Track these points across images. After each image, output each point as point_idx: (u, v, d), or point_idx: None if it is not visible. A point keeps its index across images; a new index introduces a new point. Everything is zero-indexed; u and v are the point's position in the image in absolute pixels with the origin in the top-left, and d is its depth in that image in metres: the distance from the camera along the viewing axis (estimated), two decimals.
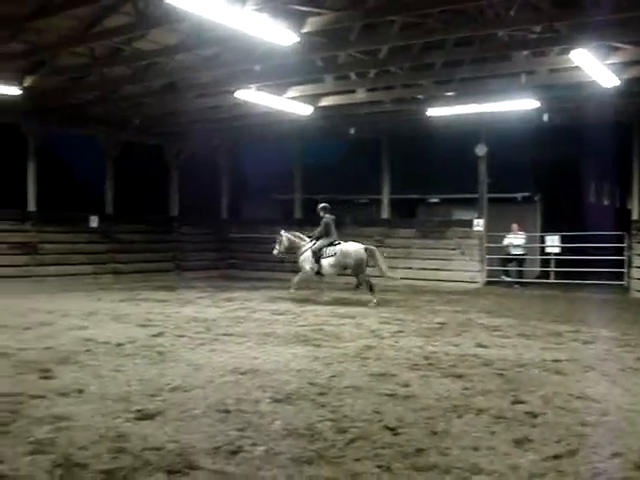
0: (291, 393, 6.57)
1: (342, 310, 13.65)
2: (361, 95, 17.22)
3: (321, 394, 6.58)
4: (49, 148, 22.82)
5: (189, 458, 4.70)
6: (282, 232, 16.33)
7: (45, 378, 7.08)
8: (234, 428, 5.44)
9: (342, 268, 15.46)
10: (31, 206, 20.07)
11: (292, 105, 17.14)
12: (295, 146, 23.90)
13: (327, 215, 15.63)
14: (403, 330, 10.97)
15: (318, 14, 11.65)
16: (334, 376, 7.40)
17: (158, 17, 12.16)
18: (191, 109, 19.74)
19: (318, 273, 15.55)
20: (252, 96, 16.15)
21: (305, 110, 17.52)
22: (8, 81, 15.51)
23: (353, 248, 15.26)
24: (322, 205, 15.77)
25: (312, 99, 17.43)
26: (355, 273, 15.41)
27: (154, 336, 9.98)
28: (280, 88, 16.52)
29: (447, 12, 12.76)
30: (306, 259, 15.60)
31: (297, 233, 16.36)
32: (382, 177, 22.09)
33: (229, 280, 22.37)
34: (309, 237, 15.89)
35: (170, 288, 18.82)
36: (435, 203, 26.63)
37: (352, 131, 21.11)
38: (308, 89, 16.65)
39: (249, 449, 4.99)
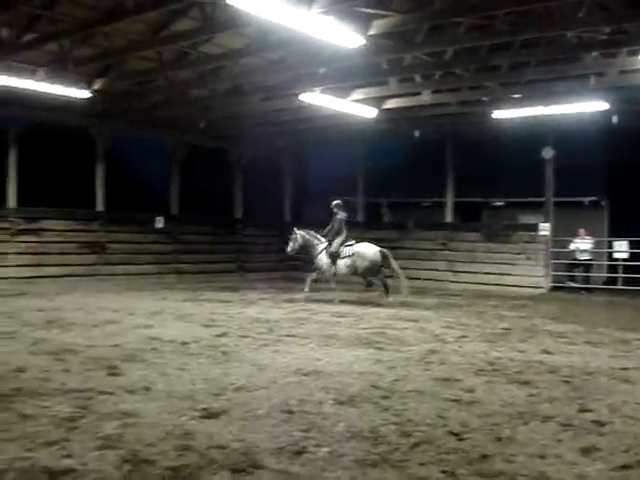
0: (354, 395, 6.54)
1: (405, 313, 13.56)
2: (426, 97, 17.12)
3: (384, 397, 6.54)
4: (117, 150, 23.25)
5: (253, 457, 4.73)
6: (296, 230, 16.27)
7: (113, 375, 7.22)
8: (298, 429, 5.45)
9: (356, 269, 15.54)
10: (99, 207, 20.55)
11: (356, 108, 17.13)
12: (358, 149, 23.87)
13: (341, 213, 15.66)
14: (467, 335, 10.83)
15: (384, 16, 11.62)
16: (397, 380, 7.35)
17: (224, 21, 12.32)
18: (256, 112, 19.93)
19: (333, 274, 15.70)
20: (316, 99, 16.21)
21: (369, 113, 17.49)
22: (78, 84, 15.88)
23: (370, 251, 15.42)
24: (336, 202, 15.76)
25: (376, 101, 17.40)
26: (364, 275, 15.71)
27: (218, 336, 10.08)
28: (344, 91, 16.54)
29: (514, 13, 12.56)
30: (322, 259, 15.68)
31: (311, 232, 16.22)
32: (446, 180, 21.90)
33: (290, 282, 22.41)
34: (323, 236, 15.93)
35: (233, 289, 19.02)
36: (500, 206, 26.29)
37: (416, 134, 21.01)
38: (373, 91, 16.64)
39: (313, 450, 4.98)
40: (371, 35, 11.53)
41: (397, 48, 13.67)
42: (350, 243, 15.53)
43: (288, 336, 10.24)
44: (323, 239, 15.84)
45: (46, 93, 15.53)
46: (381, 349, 9.31)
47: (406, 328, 11.48)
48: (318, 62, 14.49)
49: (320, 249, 15.69)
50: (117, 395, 6.32)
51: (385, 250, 15.57)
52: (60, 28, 13.43)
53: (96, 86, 16.37)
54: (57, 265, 19.23)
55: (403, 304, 15.20)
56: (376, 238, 22.32)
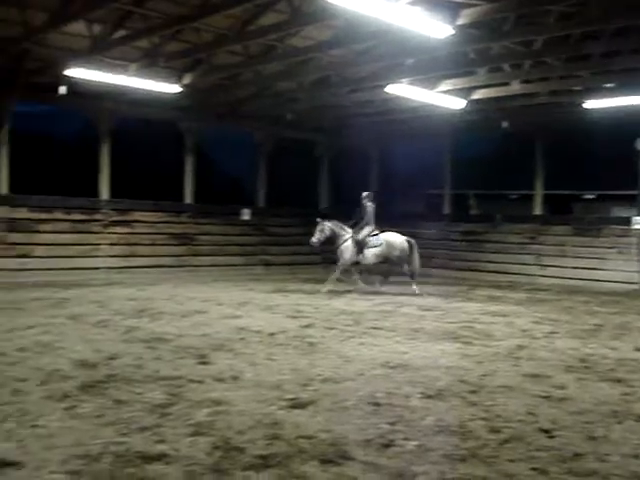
0: (442, 390, 6.49)
1: (493, 308, 13.34)
2: (515, 87, 16.76)
3: (472, 392, 6.46)
4: (205, 144, 23.68)
5: (341, 448, 4.74)
6: (322, 221, 16.00)
7: (202, 364, 7.37)
8: (385, 421, 5.44)
9: (385, 259, 15.69)
10: (188, 199, 20.96)
11: (444, 99, 16.92)
12: (445, 140, 23.58)
13: (370, 203, 15.68)
14: (557, 331, 10.58)
15: (473, 5, 11.43)
16: (485, 375, 7.25)
17: (312, 13, 12.35)
18: (343, 104, 19.94)
19: (357, 263, 15.65)
20: (403, 90, 16.09)
21: (457, 104, 17.26)
22: (168, 79, 16.23)
23: (399, 240, 15.67)
24: (366, 193, 15.83)
25: (464, 92, 17.14)
26: (396, 264, 15.80)
27: (304, 327, 10.16)
28: (431, 82, 16.35)
29: (605, 0, 12.16)
30: (346, 249, 15.50)
31: (338, 222, 15.99)
32: (535, 172, 21.40)
33: (375, 274, 22.38)
34: (352, 227, 15.81)
35: (317, 281, 19.05)
36: (591, 199, 25.57)
37: (505, 124, 20.57)
38: (460, 82, 16.37)
39: (401, 443, 4.97)
40: (459, 25, 11.36)
41: (485, 37, 13.41)
42: (375, 233, 15.62)
43: (374, 329, 10.24)
44: (349, 230, 15.77)
45: (137, 88, 15.93)
46: (468, 343, 9.20)
47: (493, 323, 11.30)
48: (405, 53, 14.36)
49: (345, 238, 15.58)
50: (207, 383, 6.45)
51: (412, 240, 15.90)
52: (151, 24, 13.73)
53: (185, 81, 16.68)
54: (147, 256, 19.72)
55: (491, 298, 14.98)
56: (463, 231, 22.28)
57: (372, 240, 15.35)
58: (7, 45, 14.53)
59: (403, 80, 15.82)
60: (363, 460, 4.59)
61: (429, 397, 6.25)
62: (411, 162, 29.26)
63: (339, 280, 15.85)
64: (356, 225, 15.69)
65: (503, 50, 14.73)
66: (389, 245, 15.48)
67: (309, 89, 18.15)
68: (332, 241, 15.85)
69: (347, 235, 15.60)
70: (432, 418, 5.61)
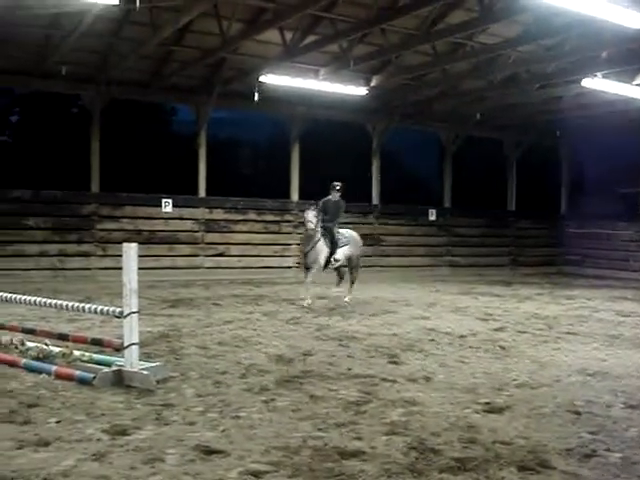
0: None
1: None
2: None
3: None
4: (390, 144, 23.80)
5: (541, 456, 4.58)
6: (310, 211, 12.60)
7: (394, 363, 7.41)
8: (586, 431, 5.21)
9: (350, 259, 13.29)
10: (375, 200, 21.17)
11: None
12: None
13: (337, 195, 13.05)
14: None
15: None
16: None
17: (502, 10, 12.09)
18: (532, 101, 19.34)
19: (327, 265, 12.92)
20: (597, 84, 15.34)
21: None
22: (356, 82, 16.49)
23: (358, 236, 13.73)
24: (336, 183, 13.09)
25: None
26: (353, 265, 13.45)
27: (495, 330, 9.96)
28: (628, 74, 15.47)
29: None
30: (322, 249, 12.64)
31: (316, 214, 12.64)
32: None
33: (566, 277, 21.60)
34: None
35: (506, 283, 18.68)
36: None
37: None
38: None
39: (603, 454, 4.73)
40: None
41: None
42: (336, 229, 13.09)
43: (569, 334, 9.84)
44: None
45: (326, 92, 16.31)
46: None
47: None
48: (599, 45, 13.70)
49: (318, 237, 12.53)
50: (399, 383, 6.48)
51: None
52: (339, 29, 14.00)
53: (373, 83, 16.88)
54: None
55: None
56: None
57: (341, 238, 13.07)
58: (206, 55, 15.35)
59: (597, 74, 15.08)
60: (564, 470, 4.42)
61: (632, 407, 5.92)
62: (605, 159, 27.87)
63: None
64: (325, 220, 12.76)
65: None
66: (355, 242, 13.40)
67: (497, 87, 17.74)
68: (305, 238, 12.88)
69: (319, 233, 12.54)
70: (636, 429, 5.31)
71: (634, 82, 15.66)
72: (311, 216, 12.32)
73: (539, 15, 12.38)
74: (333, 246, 12.81)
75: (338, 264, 13.14)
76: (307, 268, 12.70)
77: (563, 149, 24.82)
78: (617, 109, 18.80)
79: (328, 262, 12.79)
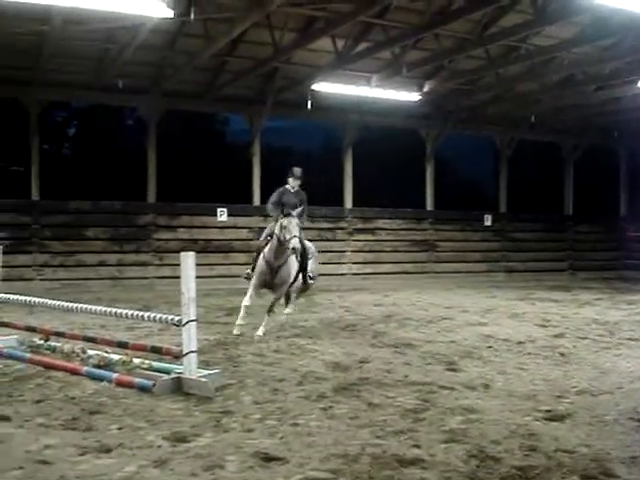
0: None
1: None
2: None
3: None
4: (444, 149, 23.64)
5: (604, 465, 4.48)
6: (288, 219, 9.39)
7: (451, 370, 7.34)
8: None
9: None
10: (429, 206, 21.07)
11: None
12: None
13: (296, 184, 10.09)
14: None
15: None
16: None
17: (557, 11, 11.94)
18: (589, 103, 19.02)
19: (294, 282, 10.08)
20: None
21: None
22: (409, 87, 16.43)
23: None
24: (297, 169, 10.09)
25: None
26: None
27: (554, 336, 9.78)
28: None
29: None
30: (293, 265, 9.78)
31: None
32: None
33: (627, 282, 21.10)
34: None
35: (564, 288, 18.36)
36: None
37: None
38: None
39: None
40: None
41: None
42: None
43: (630, 340, 9.61)
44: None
45: (379, 98, 16.29)
46: None
47: None
48: None
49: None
50: (458, 390, 6.41)
51: None
52: (391, 35, 13.99)
53: (426, 88, 16.80)
54: (390, 262, 20.11)
55: None
56: None
57: (310, 247, 10.46)
58: (260, 65, 15.49)
59: None
60: (627, 479, 4.32)
61: None
62: None
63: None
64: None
65: None
66: (314, 254, 10.68)
67: (553, 89, 17.50)
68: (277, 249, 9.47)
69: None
70: None
71: None
72: (295, 226, 9.17)
73: (595, 16, 12.21)
74: (304, 259, 9.96)
75: (312, 283, 10.56)
76: (265, 287, 9.77)
77: (622, 151, 24.35)
78: None
79: (295, 280, 9.93)
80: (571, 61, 15.65)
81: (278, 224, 9.38)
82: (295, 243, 9.10)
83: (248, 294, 9.63)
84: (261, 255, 9.69)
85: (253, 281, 9.72)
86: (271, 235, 9.67)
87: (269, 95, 17.60)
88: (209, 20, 12.90)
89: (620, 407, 5.93)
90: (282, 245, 9.26)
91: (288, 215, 9.35)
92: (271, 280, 9.63)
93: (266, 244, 9.71)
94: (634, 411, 5.80)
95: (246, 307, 9.52)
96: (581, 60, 15.46)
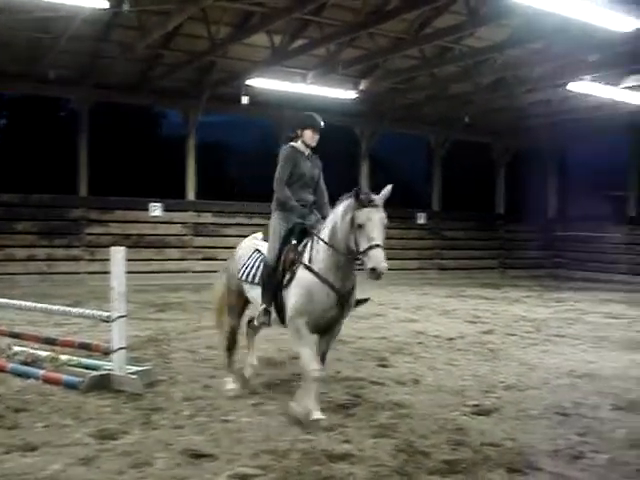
0: (633, 401, 6.15)
1: None
2: None
3: None
4: (379, 148, 23.81)
5: (529, 458, 4.61)
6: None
7: (382, 366, 7.43)
8: (574, 432, 5.24)
9: None
10: None
11: (630, 95, 16.02)
12: (630, 139, 22.34)
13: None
14: None
15: None
16: None
17: (489, 13, 12.13)
18: (520, 105, 19.41)
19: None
20: (585, 88, 15.39)
21: None
22: (344, 85, 16.49)
23: None
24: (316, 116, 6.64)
25: None
26: None
27: (484, 333, 9.99)
28: (616, 78, 15.52)
29: None
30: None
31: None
32: None
33: (555, 280, 21.66)
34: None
35: (495, 286, 18.73)
36: None
37: None
38: None
39: (591, 455, 4.76)
40: None
41: None
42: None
43: (557, 336, 9.89)
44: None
45: (314, 95, 16.31)
46: None
47: None
48: (586, 49, 13.71)
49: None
50: (388, 386, 6.49)
51: None
52: (327, 32, 14.01)
53: (361, 86, 16.89)
54: None
55: None
56: None
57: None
58: (195, 58, 15.33)
59: (584, 77, 15.13)
60: (552, 471, 4.44)
61: (620, 409, 5.95)
62: (593, 163, 28.07)
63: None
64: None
65: None
66: None
67: (485, 90, 17.80)
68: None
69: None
70: (624, 431, 5.34)
71: (621, 85, 15.71)
72: (383, 227, 5.59)
73: (526, 19, 12.42)
74: None
75: None
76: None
77: (551, 153, 24.92)
78: (604, 112, 18.89)
79: None
80: (502, 63, 15.92)
81: (346, 218, 5.47)
82: (383, 266, 5.26)
83: (312, 356, 5.41)
84: (305, 273, 5.54)
85: (304, 329, 5.44)
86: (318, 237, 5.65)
87: (205, 89, 17.44)
88: (144, 12, 12.70)
89: (546, 402, 6.09)
90: (352, 257, 5.47)
91: (367, 201, 5.52)
92: (336, 318, 5.66)
93: (298, 255, 5.68)
94: (559, 405, 5.96)
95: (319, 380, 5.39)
96: (512, 63, 15.73)
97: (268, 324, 5.92)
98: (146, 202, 17.97)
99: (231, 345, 6.46)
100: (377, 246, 5.28)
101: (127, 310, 6.28)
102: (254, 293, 6.03)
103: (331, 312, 5.51)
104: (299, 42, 14.69)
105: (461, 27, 13.16)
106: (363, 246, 5.26)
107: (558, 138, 23.78)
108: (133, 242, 17.02)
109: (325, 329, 5.67)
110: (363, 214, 5.37)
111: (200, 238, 18.52)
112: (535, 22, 12.47)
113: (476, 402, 5.93)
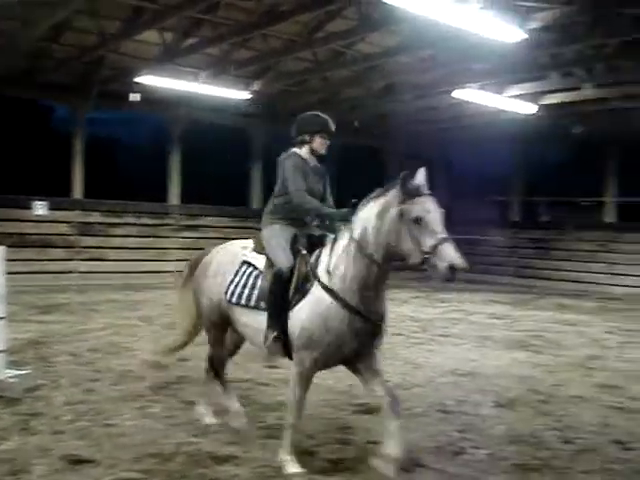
0: (513, 399, 6.41)
1: (563, 317, 13.08)
2: (587, 92, 16.35)
3: (544, 402, 6.36)
4: (273, 149, 23.85)
5: (412, 456, 4.71)
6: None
7: (271, 367, 7.41)
8: (455, 429, 5.40)
9: None
10: (255, 204, 21.11)
11: (514, 104, 16.67)
12: (515, 146, 23.20)
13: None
14: (631, 341, 10.32)
15: (544, 9, 11.23)
16: (557, 384, 7.13)
17: (379, 19, 12.34)
18: (409, 110, 19.83)
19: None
20: (470, 95, 15.90)
21: (527, 109, 16.97)
22: (238, 86, 16.41)
23: None
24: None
25: (535, 97, 16.83)
26: None
27: None
28: (500, 87, 16.11)
29: None
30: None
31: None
32: (607, 178, 20.92)
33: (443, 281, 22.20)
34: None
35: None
36: None
37: (577, 130, 20.06)
38: (531, 87, 16.07)
39: (472, 451, 4.93)
40: (530, 29, 11.16)
41: (557, 41, 13.14)
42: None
43: (442, 336, 10.17)
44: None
45: (207, 95, 16.16)
46: (539, 353, 9.06)
47: (564, 332, 11.09)
48: (473, 58, 14.15)
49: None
50: (275, 387, 6.51)
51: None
52: (221, 32, 13.92)
53: (254, 87, 16.85)
54: None
55: (561, 306, 14.67)
56: (532, 238, 21.88)
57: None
58: (83, 53, 14.91)
59: (471, 85, 15.62)
60: (434, 467, 4.57)
61: (500, 406, 6.18)
62: (479, 169, 29.00)
63: None
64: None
65: (575, 54, 14.42)
66: None
67: (376, 95, 18.10)
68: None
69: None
70: (503, 427, 5.55)
71: (504, 94, 16.31)
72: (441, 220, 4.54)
73: (415, 26, 12.69)
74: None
75: None
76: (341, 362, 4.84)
77: (439, 158, 25.54)
78: (489, 120, 19.57)
79: None
80: (392, 69, 16.23)
81: (388, 215, 4.48)
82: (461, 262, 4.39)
83: (301, 406, 4.70)
84: (319, 293, 4.54)
85: (308, 367, 4.60)
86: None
87: (94, 85, 16.96)
88: (26, 3, 12.23)
89: (429, 400, 6.26)
90: (388, 269, 4.59)
91: (416, 190, 4.58)
92: (363, 346, 4.65)
93: (311, 268, 4.67)
94: (442, 403, 6.14)
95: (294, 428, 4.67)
96: (400, 69, 16.05)
97: (280, 355, 4.78)
98: (30, 200, 17.31)
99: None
100: (446, 240, 4.33)
101: (6, 312, 6.05)
102: (249, 319, 4.86)
103: (352, 345, 4.47)
104: (191, 40, 14.50)
105: (353, 32, 13.35)
106: (429, 243, 4.29)
107: (445, 144, 24.44)
108: (14, 241, 16.33)
109: (347, 361, 4.69)
110: (417, 206, 4.38)
111: (87, 238, 17.99)
112: (424, 30, 12.75)
113: (362, 401, 6.01)
